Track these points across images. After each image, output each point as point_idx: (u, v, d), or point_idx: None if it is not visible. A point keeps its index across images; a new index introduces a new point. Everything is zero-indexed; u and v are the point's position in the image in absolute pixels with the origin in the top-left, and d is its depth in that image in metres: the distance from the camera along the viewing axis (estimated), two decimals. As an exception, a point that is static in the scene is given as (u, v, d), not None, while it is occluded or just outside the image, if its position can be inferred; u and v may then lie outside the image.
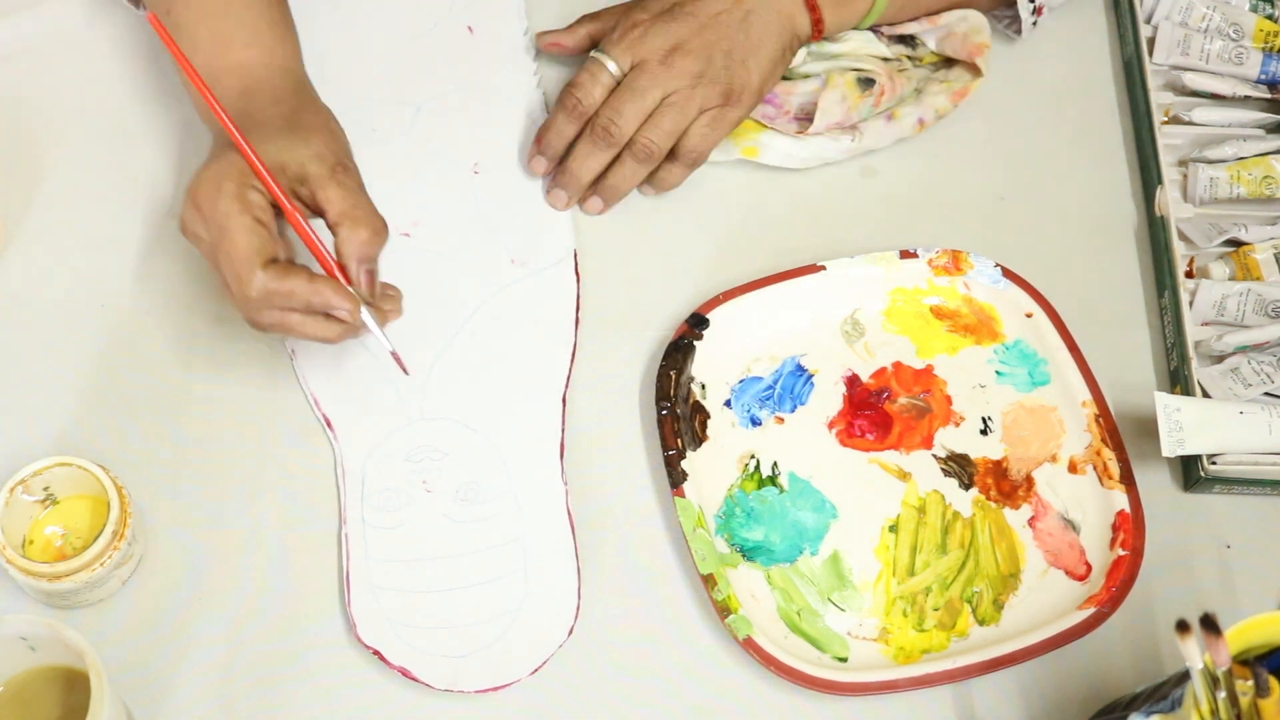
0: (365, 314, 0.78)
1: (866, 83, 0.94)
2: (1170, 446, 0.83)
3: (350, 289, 0.77)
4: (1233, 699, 0.66)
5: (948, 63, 0.98)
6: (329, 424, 0.85)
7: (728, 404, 0.88)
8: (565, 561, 0.82)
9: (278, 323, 0.77)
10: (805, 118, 0.95)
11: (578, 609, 0.81)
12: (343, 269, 0.77)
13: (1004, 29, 1.00)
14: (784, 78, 0.95)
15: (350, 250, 0.77)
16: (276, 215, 0.77)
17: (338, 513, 0.83)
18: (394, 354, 0.80)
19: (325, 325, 0.77)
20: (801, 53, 0.94)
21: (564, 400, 0.87)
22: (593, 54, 0.90)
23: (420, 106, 0.96)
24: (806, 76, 0.96)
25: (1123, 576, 0.81)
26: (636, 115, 0.88)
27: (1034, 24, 0.98)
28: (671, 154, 0.90)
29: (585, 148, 0.90)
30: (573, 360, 0.88)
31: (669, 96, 0.88)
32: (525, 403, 0.87)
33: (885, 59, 0.96)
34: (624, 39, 0.89)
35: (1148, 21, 1.00)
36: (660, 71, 0.88)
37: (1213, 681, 0.66)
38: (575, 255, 0.91)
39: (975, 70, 0.96)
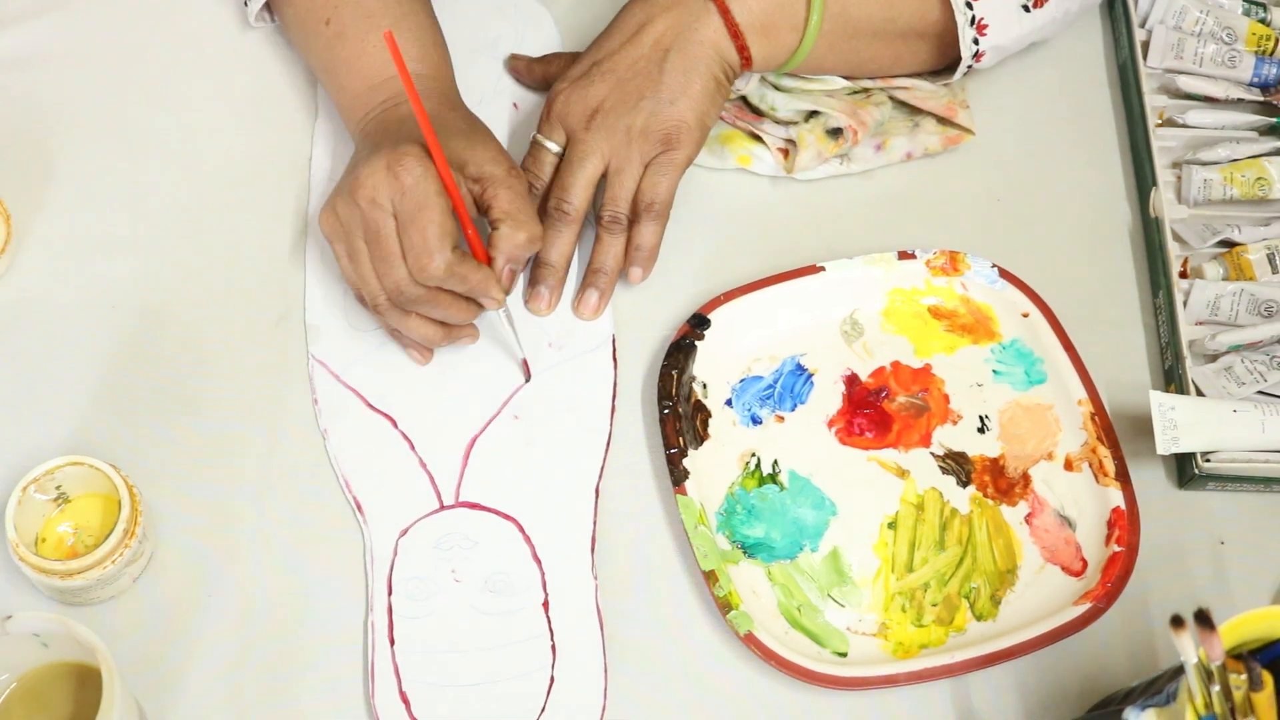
0: (504, 312, 0.84)
1: (835, 131, 0.94)
2: (1165, 444, 0.83)
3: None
4: (1226, 693, 0.66)
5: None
6: (359, 508, 0.83)
7: (729, 403, 0.88)
8: (593, 660, 0.80)
9: (425, 298, 0.81)
10: (788, 144, 0.96)
11: (604, 709, 0.79)
12: (490, 262, 0.82)
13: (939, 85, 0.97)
14: (757, 112, 0.95)
15: (505, 247, 0.82)
16: None
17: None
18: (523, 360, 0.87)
19: (466, 308, 0.83)
20: (771, 93, 0.94)
21: (597, 491, 0.85)
22: (534, 136, 0.90)
23: None
24: (779, 122, 0.95)
25: (1118, 572, 0.82)
26: (583, 186, 0.87)
27: (969, 68, 0.93)
28: (634, 214, 0.89)
29: (549, 234, 0.88)
30: (607, 450, 0.86)
31: (609, 161, 0.87)
32: (558, 492, 0.84)
33: (850, 91, 0.95)
34: (550, 114, 0.89)
35: (1142, 25, 1.01)
36: (588, 138, 0.87)
37: (1207, 676, 0.66)
38: (614, 341, 0.89)
39: (967, 127, 0.97)
